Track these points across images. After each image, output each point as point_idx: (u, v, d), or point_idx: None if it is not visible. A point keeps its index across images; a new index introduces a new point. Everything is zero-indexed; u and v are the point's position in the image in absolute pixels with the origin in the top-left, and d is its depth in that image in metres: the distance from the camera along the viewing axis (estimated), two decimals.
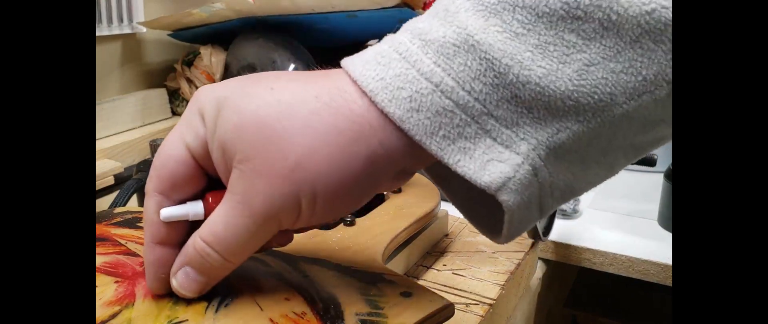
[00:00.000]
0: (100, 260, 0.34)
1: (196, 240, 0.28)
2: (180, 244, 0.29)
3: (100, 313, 0.29)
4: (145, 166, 0.63)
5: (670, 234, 0.59)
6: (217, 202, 0.28)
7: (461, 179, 0.23)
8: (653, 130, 0.24)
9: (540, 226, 0.48)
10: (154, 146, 0.63)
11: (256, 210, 0.26)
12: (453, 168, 0.23)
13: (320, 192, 0.25)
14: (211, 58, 0.86)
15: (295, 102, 0.25)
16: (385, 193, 0.49)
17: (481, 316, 0.40)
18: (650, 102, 0.22)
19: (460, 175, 0.23)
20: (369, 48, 0.26)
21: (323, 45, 0.91)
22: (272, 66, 0.80)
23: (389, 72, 0.23)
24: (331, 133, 0.24)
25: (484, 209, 0.28)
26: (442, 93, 0.22)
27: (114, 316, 0.29)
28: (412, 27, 0.25)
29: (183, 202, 0.29)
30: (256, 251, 0.29)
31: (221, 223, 0.27)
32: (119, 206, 0.56)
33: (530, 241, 0.51)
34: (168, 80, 0.94)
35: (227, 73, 0.85)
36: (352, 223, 0.43)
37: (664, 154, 0.72)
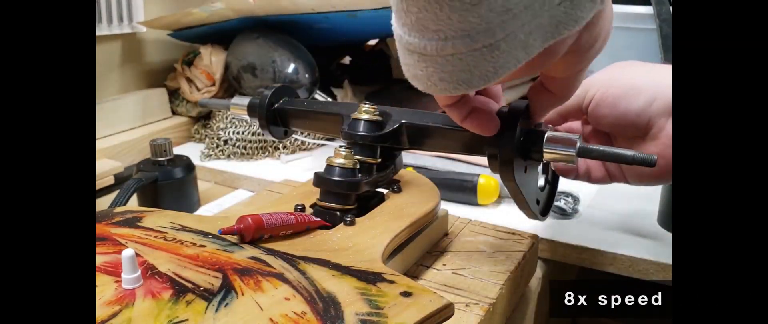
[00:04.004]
0: (100, 260, 0.34)
1: None
2: None
3: (100, 312, 0.29)
4: (145, 165, 0.63)
5: (670, 234, 0.59)
6: None
7: None
8: None
9: (538, 207, 0.48)
10: (154, 146, 0.62)
11: None
12: None
13: None
14: (211, 57, 0.86)
15: None
16: (385, 192, 0.49)
17: (481, 316, 0.40)
18: None
19: None
20: None
21: (323, 44, 0.90)
22: (272, 65, 0.80)
23: None
24: None
25: None
26: None
27: (114, 315, 0.29)
28: None
29: None
30: None
31: None
32: (119, 206, 0.56)
33: (530, 241, 0.51)
34: (168, 80, 0.94)
35: (227, 73, 0.85)
36: (352, 223, 0.43)
37: None
